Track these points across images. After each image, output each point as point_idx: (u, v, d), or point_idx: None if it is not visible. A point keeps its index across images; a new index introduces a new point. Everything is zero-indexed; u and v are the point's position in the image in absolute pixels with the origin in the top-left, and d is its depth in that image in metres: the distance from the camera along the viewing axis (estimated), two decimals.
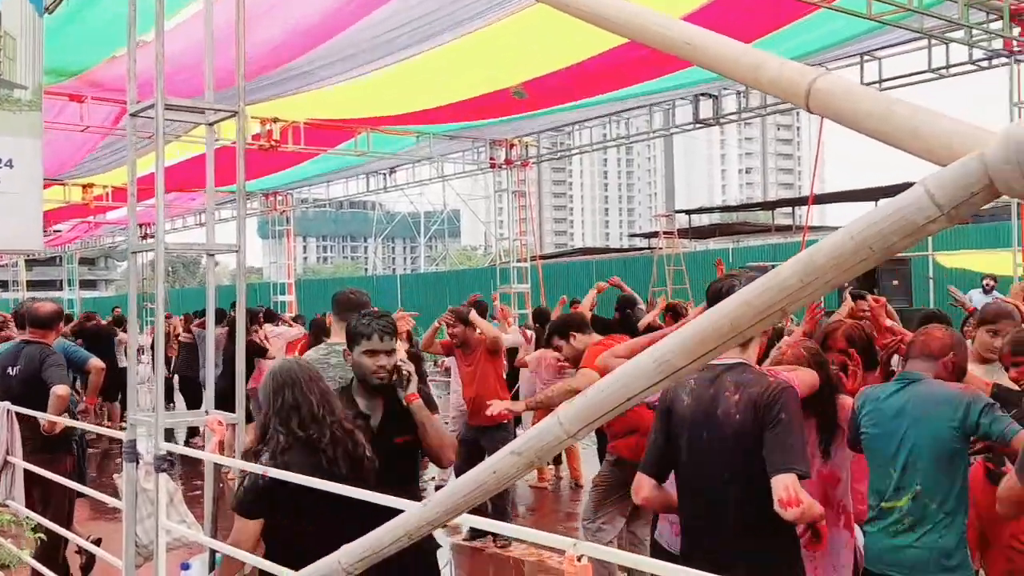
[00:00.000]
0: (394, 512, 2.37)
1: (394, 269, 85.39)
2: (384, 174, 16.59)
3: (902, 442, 3.06)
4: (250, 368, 10.41)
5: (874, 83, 11.07)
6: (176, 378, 13.03)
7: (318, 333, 7.52)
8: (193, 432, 10.88)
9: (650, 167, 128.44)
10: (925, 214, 1.00)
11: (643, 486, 3.19)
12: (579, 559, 1.74)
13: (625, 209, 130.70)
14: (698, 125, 12.54)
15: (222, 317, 10.18)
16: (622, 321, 8.98)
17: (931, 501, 3.01)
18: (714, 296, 3.15)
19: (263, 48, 8.16)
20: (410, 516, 1.53)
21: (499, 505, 6.96)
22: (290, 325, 12.22)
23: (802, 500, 2.73)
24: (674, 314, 8.39)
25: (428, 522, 1.49)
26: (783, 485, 2.73)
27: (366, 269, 75.86)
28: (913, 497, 3.04)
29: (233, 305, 5.10)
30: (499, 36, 8.59)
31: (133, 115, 3.87)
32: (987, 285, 13.89)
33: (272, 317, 13.67)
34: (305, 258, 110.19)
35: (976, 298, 13.53)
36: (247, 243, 3.99)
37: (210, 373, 4.11)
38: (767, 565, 2.93)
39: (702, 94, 12.08)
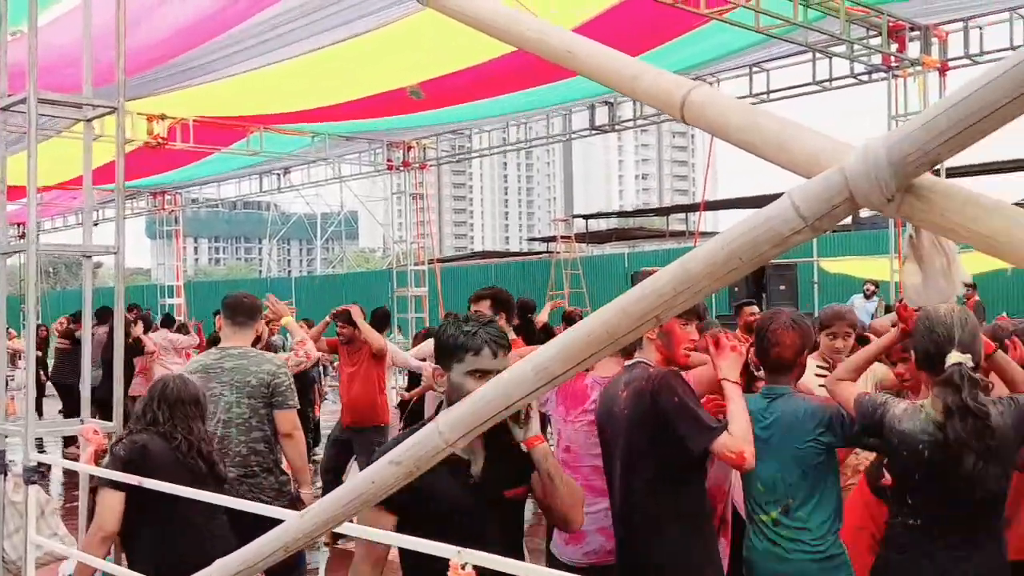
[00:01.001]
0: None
1: (289, 271, 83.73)
2: (278, 174, 16.24)
3: (772, 456, 3.12)
4: (130, 368, 10.06)
5: (762, 94, 11.46)
6: (53, 385, 12.46)
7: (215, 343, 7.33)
8: (71, 441, 10.40)
9: (549, 172, 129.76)
10: (790, 225, 1.03)
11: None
12: (463, 567, 1.73)
13: (525, 213, 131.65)
14: (594, 131, 12.72)
15: (108, 316, 9.77)
16: (522, 326, 9.03)
17: (804, 513, 3.09)
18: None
19: (149, 42, 7.88)
20: (287, 528, 1.49)
21: None
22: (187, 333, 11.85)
23: (744, 449, 2.86)
24: (568, 322, 8.51)
25: (306, 534, 1.45)
26: (722, 449, 2.86)
27: (260, 271, 74.14)
28: (785, 509, 3.12)
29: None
30: (396, 35, 8.52)
31: (4, 109, 3.68)
32: (868, 290, 14.54)
33: (170, 322, 13.19)
34: (196, 259, 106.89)
35: (857, 303, 14.16)
36: (130, 244, 3.85)
37: (86, 379, 3.93)
38: (673, 556, 3.01)
39: (603, 102, 12.27)
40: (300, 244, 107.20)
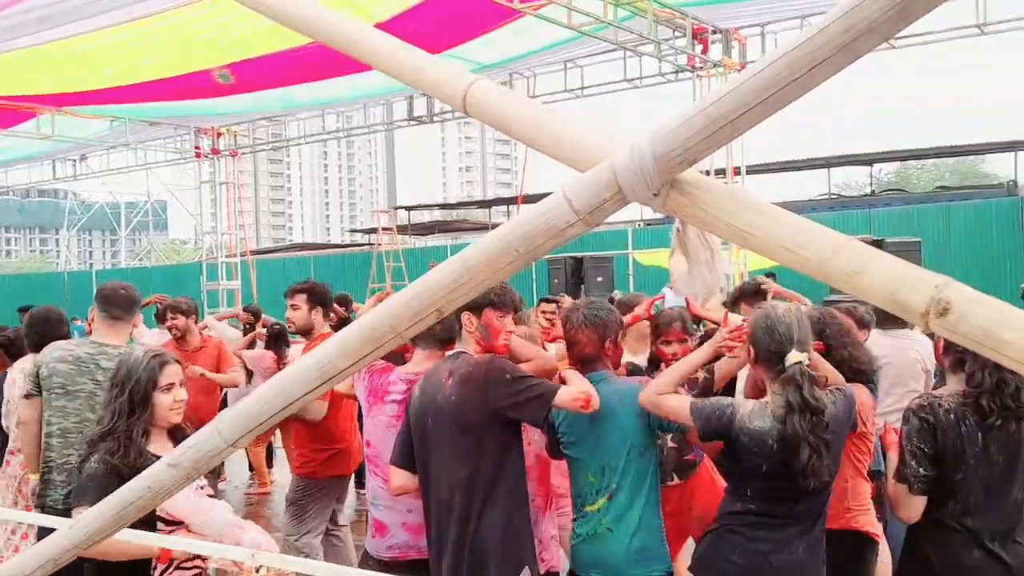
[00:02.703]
0: None
1: (91, 264, 78.56)
2: (74, 160, 15.15)
3: (596, 444, 3.19)
4: None
5: (576, 89, 11.81)
6: None
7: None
8: None
9: (371, 162, 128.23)
10: (564, 219, 1.05)
11: (396, 476, 3.33)
12: (258, 570, 1.68)
13: (347, 204, 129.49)
14: (412, 122, 12.69)
15: None
16: (342, 322, 8.78)
17: (625, 499, 3.15)
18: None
19: None
20: (56, 540, 1.38)
21: None
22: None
23: (587, 390, 3.00)
24: None
25: (75, 545, 1.35)
26: (567, 399, 2.99)
27: (57, 264, 69.06)
28: (609, 497, 3.17)
29: None
30: (203, 13, 8.14)
31: None
32: None
33: None
34: None
35: (669, 294, 14.85)
36: None
37: None
38: (500, 541, 3.07)
39: (422, 92, 12.23)
40: (103, 235, 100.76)
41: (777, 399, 2.87)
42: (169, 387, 2.95)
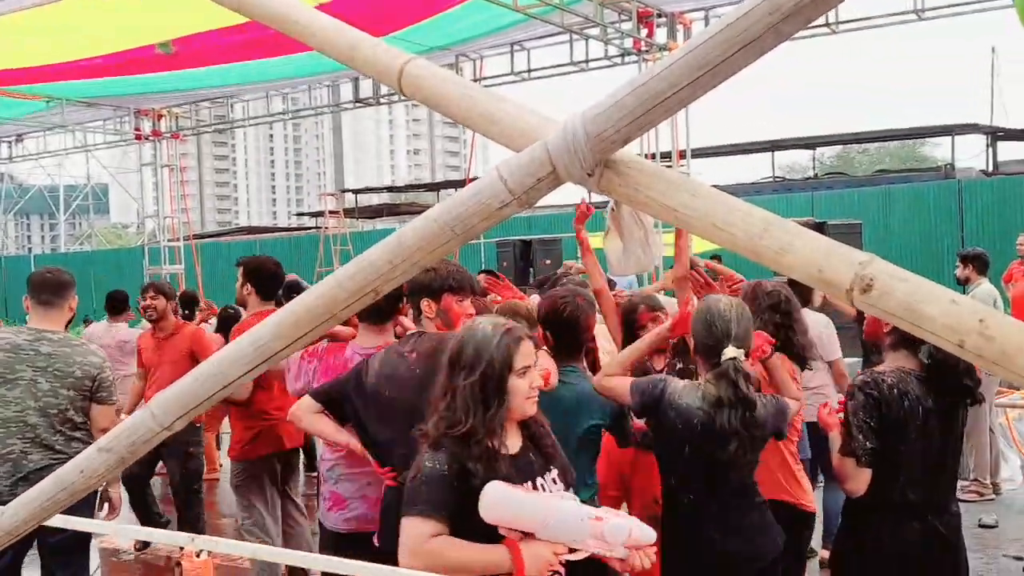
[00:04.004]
0: None
1: (30, 248, 76.46)
2: (10, 142, 14.70)
3: (552, 429, 3.33)
4: None
5: (523, 72, 11.79)
6: None
7: None
8: None
9: (318, 144, 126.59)
10: (499, 199, 1.05)
11: (301, 406, 3.35)
12: (198, 555, 1.67)
13: (293, 187, 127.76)
14: (358, 104, 12.56)
15: None
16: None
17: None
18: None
19: None
20: None
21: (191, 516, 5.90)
22: None
23: (547, 368, 3.06)
24: None
25: (7, 532, 1.33)
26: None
27: None
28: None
29: None
30: None
31: None
32: None
33: None
34: None
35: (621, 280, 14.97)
36: None
37: None
38: None
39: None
40: (41, 219, 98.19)
41: (710, 388, 2.95)
42: (524, 370, 2.36)
